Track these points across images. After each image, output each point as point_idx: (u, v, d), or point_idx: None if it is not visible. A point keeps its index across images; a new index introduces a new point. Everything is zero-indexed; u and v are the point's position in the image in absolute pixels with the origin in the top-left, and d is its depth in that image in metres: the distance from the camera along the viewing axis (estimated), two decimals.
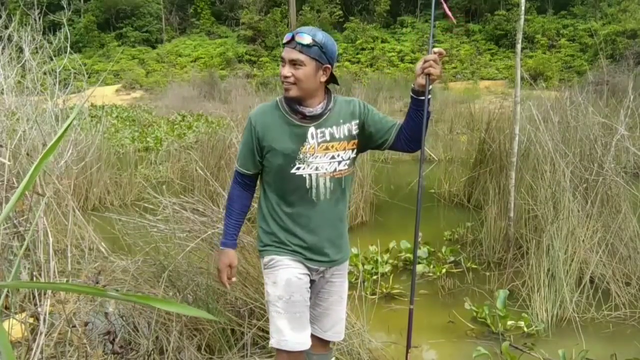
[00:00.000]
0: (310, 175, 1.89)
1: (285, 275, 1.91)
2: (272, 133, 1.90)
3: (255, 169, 1.99)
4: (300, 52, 1.81)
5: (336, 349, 2.63)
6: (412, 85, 1.88)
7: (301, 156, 1.88)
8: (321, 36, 1.83)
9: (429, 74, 1.81)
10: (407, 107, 1.96)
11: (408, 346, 2.06)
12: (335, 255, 2.00)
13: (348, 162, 1.95)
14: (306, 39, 1.80)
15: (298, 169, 1.88)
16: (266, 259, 1.98)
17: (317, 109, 1.89)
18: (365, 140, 1.97)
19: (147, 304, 0.67)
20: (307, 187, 1.90)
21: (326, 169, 1.90)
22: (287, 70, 1.83)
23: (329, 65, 1.86)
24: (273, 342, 1.92)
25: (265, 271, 1.99)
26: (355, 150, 1.97)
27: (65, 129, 0.76)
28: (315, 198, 1.91)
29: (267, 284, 1.97)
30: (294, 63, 1.82)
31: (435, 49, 1.84)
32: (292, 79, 1.82)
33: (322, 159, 1.89)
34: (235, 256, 2.04)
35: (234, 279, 2.05)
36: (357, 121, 1.94)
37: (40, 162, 0.73)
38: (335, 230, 1.98)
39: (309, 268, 1.97)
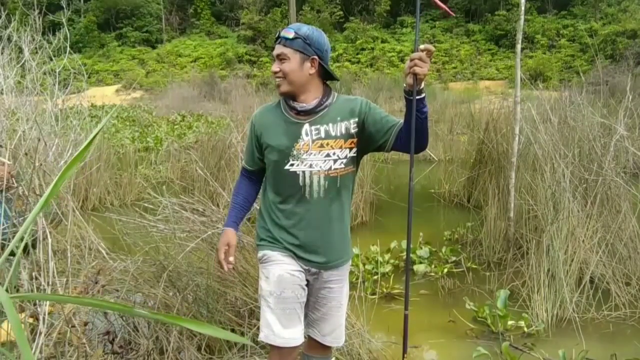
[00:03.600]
0: (304, 172, 1.88)
1: (277, 271, 1.91)
2: (269, 130, 1.94)
3: (256, 166, 2.04)
4: (285, 46, 1.86)
5: (336, 349, 2.62)
6: (404, 86, 1.83)
7: (295, 153, 1.87)
8: (306, 29, 1.87)
9: (415, 74, 1.75)
10: None
11: (404, 351, 2.06)
12: (329, 256, 1.95)
13: (345, 161, 1.91)
14: (289, 33, 1.85)
15: (292, 165, 1.88)
16: (260, 253, 1.99)
17: (310, 104, 1.89)
18: (366, 140, 1.93)
19: (175, 324, 0.67)
20: (301, 184, 1.88)
21: (320, 167, 1.88)
22: (275, 66, 1.89)
23: (315, 57, 1.86)
24: (262, 336, 1.92)
25: (260, 266, 2.00)
26: (354, 150, 1.92)
27: (91, 140, 0.76)
28: (308, 196, 1.89)
29: (260, 278, 1.98)
30: (280, 58, 1.87)
31: (422, 46, 1.76)
32: (280, 74, 1.87)
33: (317, 156, 1.87)
34: (235, 236, 2.03)
35: (231, 259, 2.00)
36: (357, 119, 1.90)
37: (69, 168, 0.73)
38: (329, 230, 1.94)
39: (301, 267, 1.96)
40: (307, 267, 1.96)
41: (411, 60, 1.75)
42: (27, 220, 0.78)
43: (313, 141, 1.87)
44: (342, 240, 1.99)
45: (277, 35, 1.91)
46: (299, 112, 1.90)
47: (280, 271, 1.91)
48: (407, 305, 2.04)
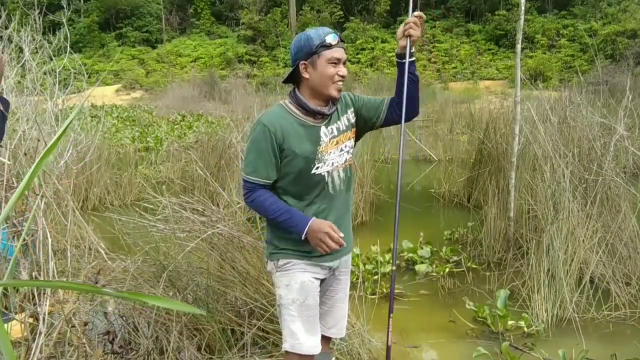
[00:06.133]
0: (328, 172, 1.92)
1: (300, 278, 1.91)
2: (291, 138, 1.85)
3: (277, 176, 1.89)
4: (344, 49, 1.90)
5: (336, 349, 2.63)
6: (396, 51, 1.97)
7: (319, 156, 1.90)
8: None
9: (409, 36, 1.90)
10: None
11: (390, 310, 2.08)
12: (349, 244, 2.05)
13: (352, 150, 2.02)
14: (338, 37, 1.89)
15: (317, 168, 1.90)
16: (281, 261, 1.93)
17: (332, 106, 1.94)
18: (363, 124, 2.03)
19: (139, 300, 0.67)
20: (326, 182, 1.92)
21: (338, 162, 1.95)
22: (344, 70, 1.88)
23: None
24: (287, 346, 1.90)
25: (278, 274, 1.94)
26: (354, 137, 2.03)
27: (63, 131, 0.76)
28: (332, 191, 1.94)
29: (279, 287, 1.95)
30: (344, 62, 1.89)
31: (415, 12, 1.93)
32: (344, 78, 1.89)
33: (335, 153, 1.93)
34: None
35: (342, 234, 1.84)
36: (352, 109, 2.00)
37: (38, 165, 0.74)
38: (346, 219, 2.04)
39: (322, 267, 1.96)
40: (331, 262, 1.97)
41: (406, 24, 1.90)
42: (15, 193, 0.78)
43: (330, 140, 1.93)
44: (350, 227, 2.10)
45: (338, 39, 1.85)
46: (322, 116, 1.91)
47: (303, 278, 1.91)
48: (395, 261, 2.10)
